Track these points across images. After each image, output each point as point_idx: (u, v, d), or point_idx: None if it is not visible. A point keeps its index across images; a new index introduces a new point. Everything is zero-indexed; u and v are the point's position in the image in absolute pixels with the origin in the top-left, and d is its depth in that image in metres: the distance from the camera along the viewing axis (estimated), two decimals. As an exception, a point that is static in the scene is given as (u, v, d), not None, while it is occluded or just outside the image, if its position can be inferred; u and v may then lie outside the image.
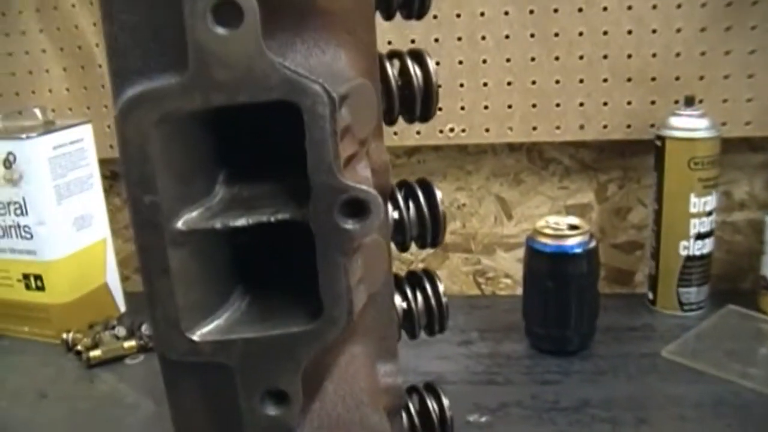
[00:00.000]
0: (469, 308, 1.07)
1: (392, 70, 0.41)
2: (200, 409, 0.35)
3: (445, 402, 0.49)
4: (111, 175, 1.17)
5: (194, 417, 0.36)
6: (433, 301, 0.45)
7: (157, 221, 0.31)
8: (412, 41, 0.99)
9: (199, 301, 0.32)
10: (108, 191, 1.12)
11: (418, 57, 0.42)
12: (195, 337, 0.32)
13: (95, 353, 0.96)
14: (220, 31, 0.29)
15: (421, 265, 1.11)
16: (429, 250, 1.10)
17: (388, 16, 0.42)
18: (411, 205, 0.42)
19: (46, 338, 1.04)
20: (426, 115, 0.42)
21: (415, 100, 0.41)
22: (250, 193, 0.34)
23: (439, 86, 0.96)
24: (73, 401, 0.90)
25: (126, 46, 0.30)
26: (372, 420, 0.40)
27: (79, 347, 0.99)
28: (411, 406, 0.48)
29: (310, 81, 0.30)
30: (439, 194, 0.43)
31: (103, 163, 1.09)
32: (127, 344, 0.98)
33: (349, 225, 0.31)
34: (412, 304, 0.45)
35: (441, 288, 0.45)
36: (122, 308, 1.12)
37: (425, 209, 0.42)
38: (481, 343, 0.96)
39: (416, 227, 0.42)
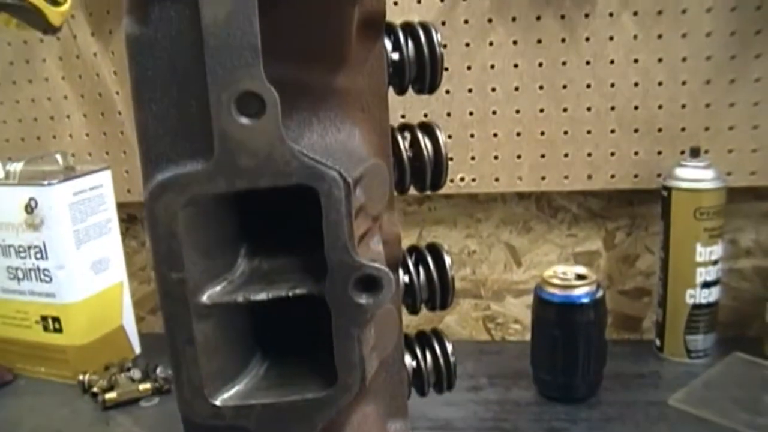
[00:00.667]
0: (479, 354, 1.09)
1: (404, 143, 0.43)
2: (220, 471, 0.38)
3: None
4: (128, 218, 1.21)
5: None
6: (441, 361, 0.47)
7: (183, 296, 0.33)
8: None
9: (221, 368, 0.34)
10: (124, 234, 1.15)
11: (429, 130, 0.44)
12: (217, 402, 0.34)
13: (111, 395, 0.98)
14: (244, 120, 0.31)
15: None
16: (439, 296, 1.12)
17: (401, 91, 0.44)
18: (421, 270, 0.44)
19: (62, 379, 1.06)
20: (436, 185, 0.44)
21: (425, 171, 0.43)
22: (270, 267, 0.36)
23: (451, 159, 1.00)
24: (89, 443, 0.91)
25: (156, 133, 0.33)
26: (382, 478, 0.42)
27: (95, 389, 1.00)
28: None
29: (327, 167, 0.32)
30: (448, 260, 0.45)
31: (120, 207, 1.12)
32: (142, 386, 1.00)
33: (363, 300, 0.33)
34: (422, 363, 0.46)
35: (449, 348, 0.47)
36: (137, 350, 1.14)
37: (434, 274, 0.44)
38: (489, 390, 0.98)
39: (426, 291, 0.44)
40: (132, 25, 0.31)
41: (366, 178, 0.35)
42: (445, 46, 1.02)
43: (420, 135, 0.43)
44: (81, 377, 1.02)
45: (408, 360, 0.46)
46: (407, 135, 0.44)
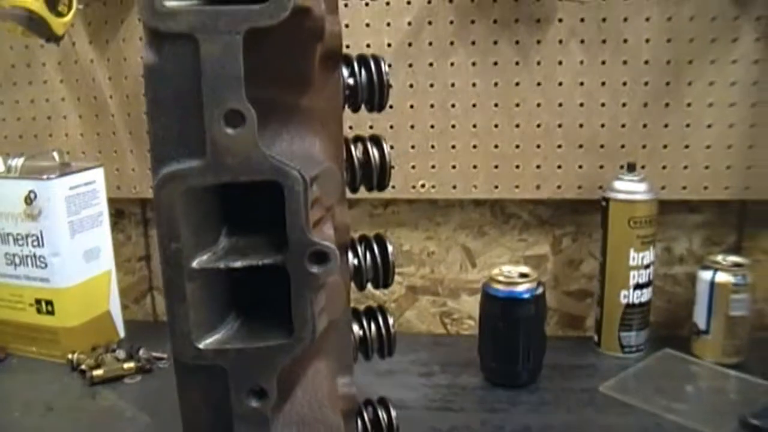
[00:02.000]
0: (434, 345, 1.19)
1: (356, 151, 0.54)
2: (201, 401, 0.48)
3: (393, 412, 0.61)
4: (116, 213, 1.29)
5: (197, 407, 0.48)
6: (383, 330, 0.57)
7: (179, 262, 0.43)
8: (390, 106, 1.12)
9: (204, 321, 0.45)
10: (113, 228, 1.22)
11: (377, 141, 0.54)
12: (201, 346, 0.44)
13: (98, 372, 1.07)
14: (229, 131, 0.41)
15: (393, 305, 1.23)
16: (401, 292, 1.22)
17: (355, 110, 0.54)
18: (368, 254, 0.55)
19: (52, 358, 1.14)
20: (381, 186, 0.55)
21: (372, 174, 0.54)
22: (245, 243, 0.46)
23: (413, 167, 1.08)
24: (76, 414, 0.99)
25: (163, 139, 0.43)
26: (330, 419, 0.52)
27: (83, 367, 1.09)
28: (365, 414, 0.60)
29: (290, 168, 0.42)
30: (390, 247, 0.55)
31: (110, 202, 1.20)
32: (126, 365, 1.08)
33: (315, 269, 0.43)
34: (367, 332, 0.57)
35: (391, 320, 0.57)
36: (122, 334, 1.22)
37: (379, 258, 0.55)
38: (441, 375, 1.08)
39: (371, 272, 0.55)
40: (149, 57, 0.41)
41: (321, 177, 0.45)
42: (410, 65, 1.12)
43: (369, 145, 0.54)
44: (70, 356, 1.11)
45: (356, 329, 0.57)
46: (359, 145, 0.54)
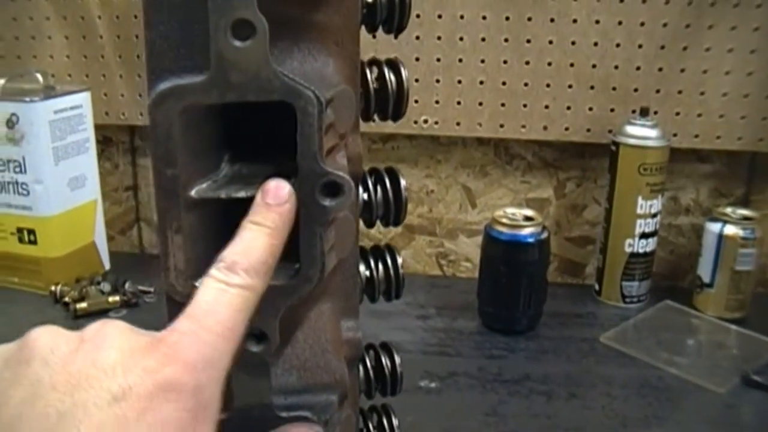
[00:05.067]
0: (430, 287, 1.16)
1: (371, 76, 0.49)
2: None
3: (397, 359, 0.57)
4: (103, 140, 1.24)
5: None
6: (391, 272, 0.53)
7: (176, 189, 0.38)
8: (395, 37, 1.07)
9: (201, 256, 0.40)
10: (100, 155, 1.18)
11: (394, 66, 0.50)
12: (197, 284, 0.40)
13: (81, 305, 1.04)
14: (237, 43, 0.37)
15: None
16: (397, 231, 1.19)
17: (372, 30, 0.50)
18: (379, 189, 0.50)
19: (35, 289, 1.11)
20: (397, 115, 0.50)
21: (388, 102, 0.49)
22: (249, 172, 0.42)
23: (416, 101, 1.04)
24: (59, 347, 0.96)
25: (161, 50, 0.38)
26: (333, 365, 0.48)
27: (66, 299, 1.05)
28: (368, 360, 0.57)
29: (304, 87, 0.38)
30: (403, 181, 0.51)
31: (97, 128, 1.16)
32: (111, 299, 1.05)
33: (327, 202, 0.39)
34: (374, 273, 0.53)
35: (399, 261, 0.53)
36: (107, 266, 1.19)
37: (390, 193, 0.50)
38: (437, 319, 1.05)
39: (382, 208, 0.50)
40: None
41: (336, 100, 0.41)
42: (418, -6, 1.07)
43: (386, 70, 0.49)
44: (53, 288, 1.07)
45: (362, 269, 0.53)
46: (375, 69, 0.49)
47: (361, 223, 0.50)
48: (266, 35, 0.37)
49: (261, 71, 0.37)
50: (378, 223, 0.52)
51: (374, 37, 0.50)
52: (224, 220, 0.42)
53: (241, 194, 0.40)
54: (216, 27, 0.36)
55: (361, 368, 0.56)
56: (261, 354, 0.42)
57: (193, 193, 0.39)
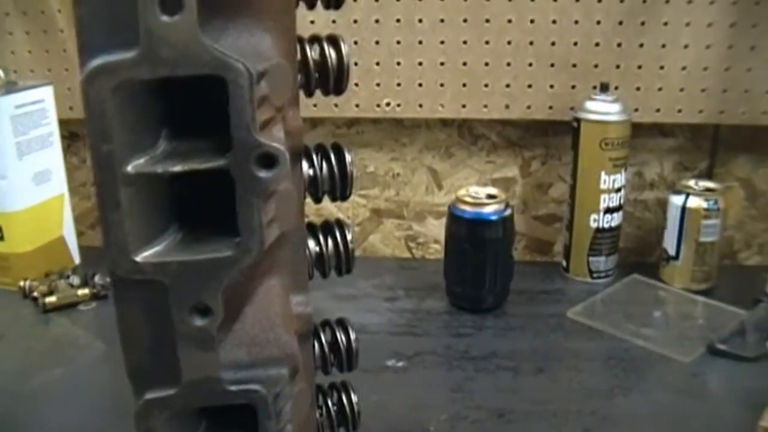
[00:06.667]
0: (399, 269, 1.16)
1: (311, 51, 0.49)
2: (141, 319, 0.44)
3: (352, 334, 0.58)
4: (69, 135, 1.23)
5: (136, 325, 0.44)
6: (341, 246, 0.54)
7: (112, 165, 0.39)
8: (354, 21, 1.07)
9: (142, 231, 0.41)
10: (66, 150, 1.17)
11: (334, 41, 0.50)
12: (138, 259, 0.40)
13: (51, 299, 1.03)
14: (165, 18, 0.37)
15: (357, 229, 1.20)
16: (365, 215, 1.19)
17: (311, 6, 0.50)
18: (324, 164, 0.51)
19: (4, 285, 1.10)
20: (339, 90, 0.51)
21: (329, 77, 0.50)
22: (187, 147, 0.42)
23: (378, 85, 1.04)
24: (29, 342, 0.97)
25: (91, 26, 0.38)
26: (282, 339, 0.48)
27: (35, 294, 1.05)
28: (323, 336, 0.57)
29: (234, 59, 0.38)
30: (349, 156, 0.51)
31: (63, 123, 1.15)
32: (80, 292, 1.05)
33: (262, 174, 0.39)
34: (323, 248, 0.53)
35: (349, 235, 0.54)
36: (77, 260, 1.18)
37: (336, 168, 0.51)
38: (405, 300, 1.06)
39: (328, 182, 0.51)
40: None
41: (270, 73, 0.41)
42: (375, -23, 1.07)
43: (326, 45, 0.50)
44: (22, 283, 1.07)
45: (312, 245, 0.53)
46: (316, 46, 0.50)
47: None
48: (194, 9, 0.37)
49: (190, 45, 0.38)
50: (338, 198, 0.52)
51: (311, 21, 0.50)
52: (164, 195, 0.42)
53: (178, 168, 0.40)
54: (143, 2, 0.37)
55: (316, 344, 0.57)
56: (206, 328, 0.43)
57: (129, 168, 0.40)
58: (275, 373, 0.48)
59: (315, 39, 0.50)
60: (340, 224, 0.55)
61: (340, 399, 0.60)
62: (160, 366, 0.45)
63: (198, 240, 0.43)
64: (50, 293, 1.05)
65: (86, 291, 1.05)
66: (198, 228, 0.44)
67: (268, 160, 0.39)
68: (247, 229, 0.41)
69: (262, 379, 0.47)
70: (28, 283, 1.07)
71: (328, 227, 0.54)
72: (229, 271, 0.42)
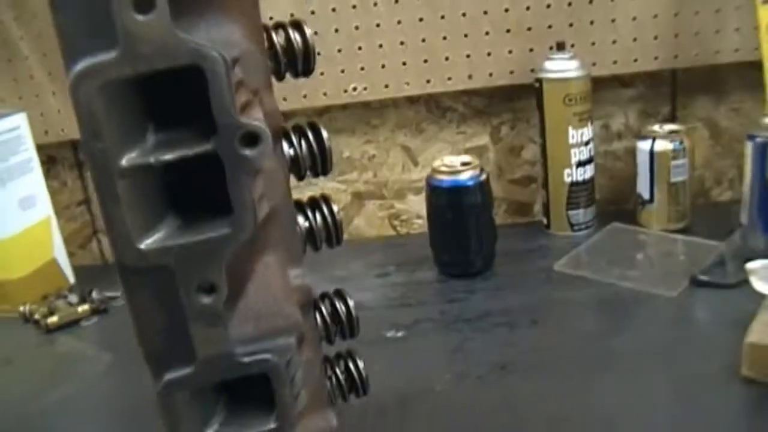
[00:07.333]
0: (386, 247, 1.19)
1: (277, 38, 0.52)
2: (152, 304, 0.47)
3: (350, 302, 0.61)
4: (48, 160, 1.25)
5: (148, 311, 0.47)
6: (329, 219, 0.57)
7: (107, 161, 0.41)
8: (312, 12, 1.10)
9: (142, 220, 0.43)
10: (46, 175, 1.19)
11: (297, 25, 0.53)
12: (142, 246, 0.43)
13: (52, 319, 1.05)
14: (140, 17, 0.40)
15: (341, 214, 1.22)
16: (347, 200, 1.22)
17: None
18: (303, 142, 0.54)
19: (3, 313, 1.12)
20: (307, 71, 0.54)
21: (297, 59, 0.53)
22: (174, 137, 0.44)
23: (342, 71, 1.07)
24: (38, 363, 0.99)
25: (71, 32, 0.41)
26: (286, 310, 0.51)
27: (36, 316, 1.07)
28: (323, 307, 0.60)
29: (209, 48, 0.41)
30: (325, 132, 0.54)
31: (40, 149, 1.17)
32: (80, 308, 1.07)
33: (248, 152, 0.42)
34: (312, 223, 0.56)
35: (335, 207, 0.57)
36: (71, 280, 1.20)
37: (314, 144, 0.54)
38: (396, 275, 1.08)
39: (308, 159, 0.54)
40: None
41: (243, 59, 0.44)
42: (327, -33, 1.10)
43: (290, 30, 0.52)
44: (21, 308, 1.08)
45: (301, 221, 0.56)
46: (281, 31, 0.53)
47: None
48: (166, 5, 0.40)
49: (167, 40, 0.40)
50: (320, 173, 0.55)
51: (271, 10, 0.53)
52: (159, 184, 0.45)
53: (169, 156, 0.43)
54: (118, 4, 0.39)
55: (317, 316, 0.60)
56: (213, 305, 0.46)
57: (123, 162, 0.42)
58: (283, 342, 0.51)
59: (279, 26, 0.53)
60: (325, 198, 0.58)
61: (347, 367, 0.63)
62: (174, 347, 0.48)
63: (195, 223, 0.46)
64: (51, 314, 1.06)
65: (86, 307, 1.07)
66: (194, 212, 0.47)
67: (252, 138, 0.42)
68: (239, 206, 0.44)
69: (272, 349, 0.50)
70: (27, 307, 1.09)
71: (315, 203, 0.57)
72: (229, 248, 0.44)
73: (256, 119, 0.44)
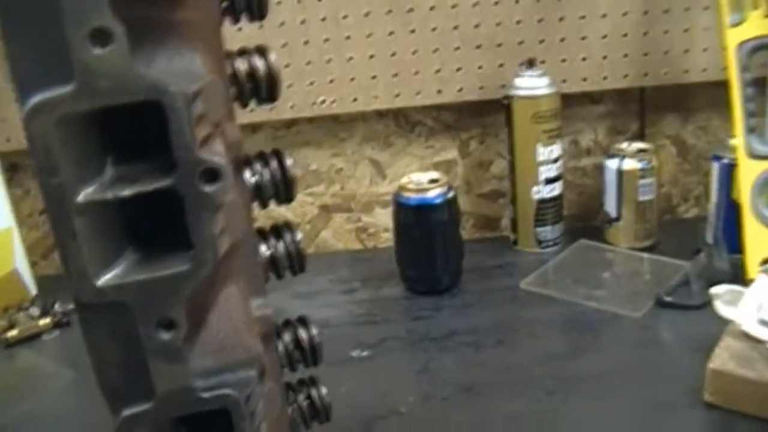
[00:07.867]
0: (353, 261, 1.18)
1: (240, 65, 0.51)
2: (109, 340, 0.46)
3: (314, 330, 0.60)
4: (10, 167, 1.23)
5: (105, 346, 0.46)
6: (291, 247, 0.56)
7: (63, 196, 0.40)
8: (281, 24, 1.09)
9: (100, 256, 0.42)
10: (9, 183, 1.17)
11: (261, 51, 0.52)
12: (99, 283, 0.42)
13: (12, 333, 1.03)
14: (97, 51, 0.39)
15: (307, 227, 1.22)
16: (314, 213, 1.21)
17: (236, 21, 0.52)
18: (265, 171, 0.53)
19: (-39, 326, 1.09)
20: (272, 97, 0.53)
21: (261, 87, 0.52)
22: (133, 171, 0.44)
23: (311, 84, 1.06)
24: (-5, 378, 0.96)
25: (25, 63, 0.40)
26: (247, 342, 0.51)
27: (-5, 330, 1.05)
28: (286, 335, 0.59)
29: (168, 84, 0.40)
30: (289, 160, 0.53)
31: (3, 156, 1.15)
32: (42, 322, 1.05)
33: (207, 188, 0.41)
34: (275, 251, 0.56)
35: (298, 235, 0.56)
36: (33, 291, 1.17)
37: (278, 172, 0.53)
38: (362, 290, 1.08)
39: (271, 188, 0.53)
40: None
41: (204, 91, 0.43)
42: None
43: (254, 56, 0.52)
44: (-21, 321, 1.06)
45: (263, 249, 0.55)
46: (244, 58, 0.52)
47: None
48: (124, 39, 0.39)
49: (125, 74, 0.39)
50: (283, 201, 0.54)
51: (239, 28, 0.52)
52: (116, 219, 0.44)
53: (127, 192, 0.42)
54: (75, 37, 0.38)
55: (280, 344, 0.59)
56: (173, 341, 0.45)
57: (80, 198, 0.41)
58: (244, 375, 0.50)
59: (243, 52, 0.52)
60: (288, 225, 0.57)
61: (309, 393, 0.62)
62: (133, 383, 0.47)
63: (154, 258, 0.45)
64: (11, 327, 1.04)
65: (47, 320, 1.05)
66: (153, 247, 0.46)
67: (212, 174, 0.41)
68: (199, 242, 0.43)
69: (233, 383, 0.49)
70: (-15, 320, 1.06)
71: (277, 231, 0.57)
72: (188, 284, 0.44)
73: (217, 154, 0.43)
